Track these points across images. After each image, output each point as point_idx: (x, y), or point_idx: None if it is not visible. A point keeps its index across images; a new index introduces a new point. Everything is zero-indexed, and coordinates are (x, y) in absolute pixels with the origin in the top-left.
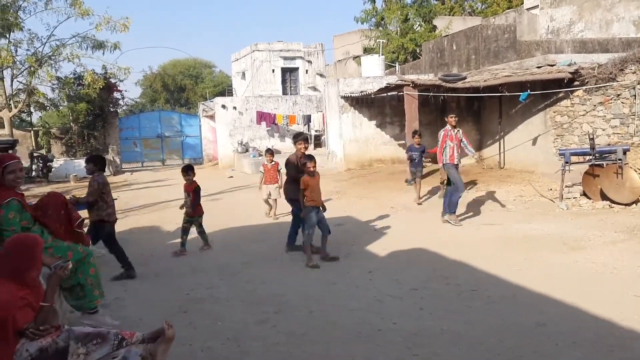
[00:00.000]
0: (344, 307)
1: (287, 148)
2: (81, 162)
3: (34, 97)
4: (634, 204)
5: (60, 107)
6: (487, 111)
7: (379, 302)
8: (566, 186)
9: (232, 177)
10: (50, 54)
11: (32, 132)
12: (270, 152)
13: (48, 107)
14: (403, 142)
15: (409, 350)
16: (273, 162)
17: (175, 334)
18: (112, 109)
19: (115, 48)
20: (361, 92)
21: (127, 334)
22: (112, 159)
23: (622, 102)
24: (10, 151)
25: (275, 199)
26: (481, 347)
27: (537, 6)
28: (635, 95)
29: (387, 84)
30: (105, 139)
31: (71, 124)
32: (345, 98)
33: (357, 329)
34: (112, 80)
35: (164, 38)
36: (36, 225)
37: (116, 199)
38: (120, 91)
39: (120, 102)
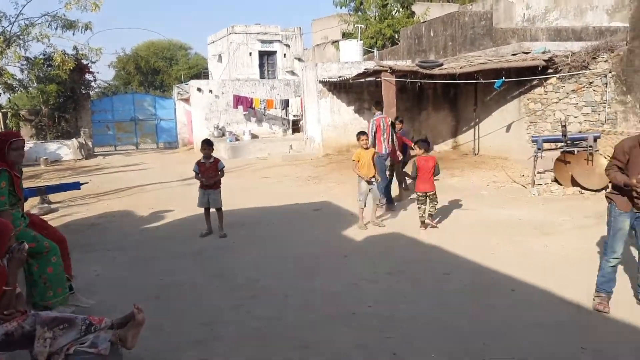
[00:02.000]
0: (320, 291)
1: (264, 132)
2: (51, 145)
3: (1, 78)
4: (603, 190)
5: (30, 89)
6: (463, 98)
7: (354, 286)
8: (538, 172)
9: None
10: (18, 33)
11: (0, 114)
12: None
13: (17, 89)
14: None
15: (382, 333)
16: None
17: (147, 318)
18: (84, 91)
19: (86, 28)
20: (339, 77)
21: (95, 319)
22: (84, 142)
23: (594, 90)
24: None
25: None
26: (453, 329)
27: None
28: (606, 84)
29: (365, 69)
30: (77, 121)
31: (41, 106)
32: (324, 83)
33: (332, 313)
34: (84, 62)
35: (137, 19)
36: (17, 209)
37: (88, 182)
38: (92, 73)
39: (93, 84)
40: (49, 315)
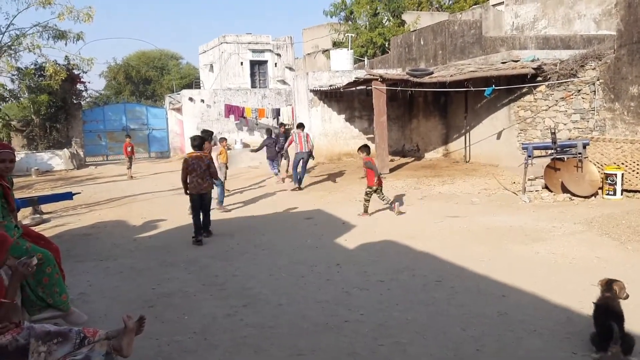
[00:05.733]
0: (313, 299)
1: (255, 142)
2: (43, 155)
3: None
4: (593, 197)
5: (21, 99)
6: (454, 106)
7: (346, 294)
8: (529, 179)
9: None
10: (9, 43)
11: None
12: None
13: (8, 99)
14: (372, 135)
15: (375, 340)
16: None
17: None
18: (75, 101)
19: (78, 39)
20: (330, 86)
21: (90, 331)
22: (75, 152)
23: (583, 98)
24: None
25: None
26: (445, 336)
27: (502, 2)
28: (595, 91)
29: (356, 78)
30: (68, 131)
31: (32, 116)
32: (315, 92)
33: (324, 321)
34: (75, 72)
35: (128, 29)
36: (10, 220)
37: (80, 192)
38: (83, 82)
39: (84, 93)
40: (43, 329)
